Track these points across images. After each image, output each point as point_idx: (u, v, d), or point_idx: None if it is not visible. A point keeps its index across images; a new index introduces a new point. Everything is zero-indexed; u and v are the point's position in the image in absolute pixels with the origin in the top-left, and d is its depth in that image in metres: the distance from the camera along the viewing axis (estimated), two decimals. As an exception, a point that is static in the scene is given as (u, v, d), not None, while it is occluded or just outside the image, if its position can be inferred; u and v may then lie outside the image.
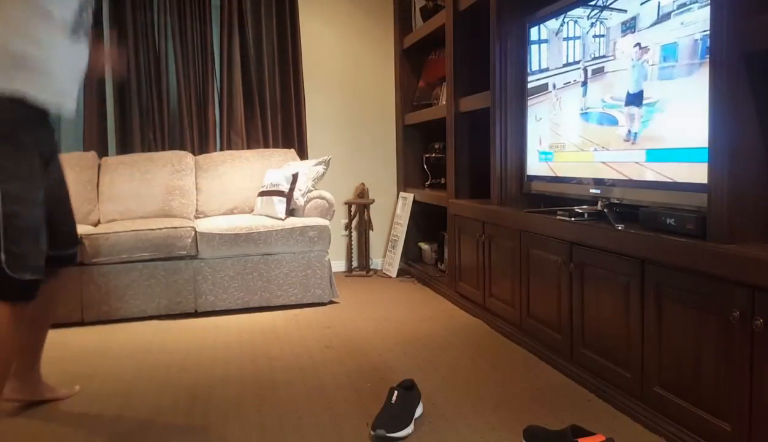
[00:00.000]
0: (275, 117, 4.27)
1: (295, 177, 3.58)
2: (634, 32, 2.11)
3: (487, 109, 3.09)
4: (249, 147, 4.20)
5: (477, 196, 3.52)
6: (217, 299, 3.35)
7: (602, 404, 2.07)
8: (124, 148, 4.00)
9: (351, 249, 4.49)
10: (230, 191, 3.88)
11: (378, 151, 4.64)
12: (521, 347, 2.67)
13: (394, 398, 1.93)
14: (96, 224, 3.63)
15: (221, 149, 4.19)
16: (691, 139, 1.87)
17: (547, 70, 2.69)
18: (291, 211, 3.62)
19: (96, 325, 3.18)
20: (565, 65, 2.54)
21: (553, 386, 2.23)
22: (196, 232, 3.33)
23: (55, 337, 2.99)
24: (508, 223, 2.79)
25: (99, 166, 3.81)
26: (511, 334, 2.78)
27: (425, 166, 4.35)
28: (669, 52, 1.95)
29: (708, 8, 1.71)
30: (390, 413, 1.88)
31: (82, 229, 3.30)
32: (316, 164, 3.76)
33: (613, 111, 2.24)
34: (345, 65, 4.51)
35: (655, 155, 2.03)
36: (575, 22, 2.46)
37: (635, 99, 2.11)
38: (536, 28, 2.76)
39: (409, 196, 4.37)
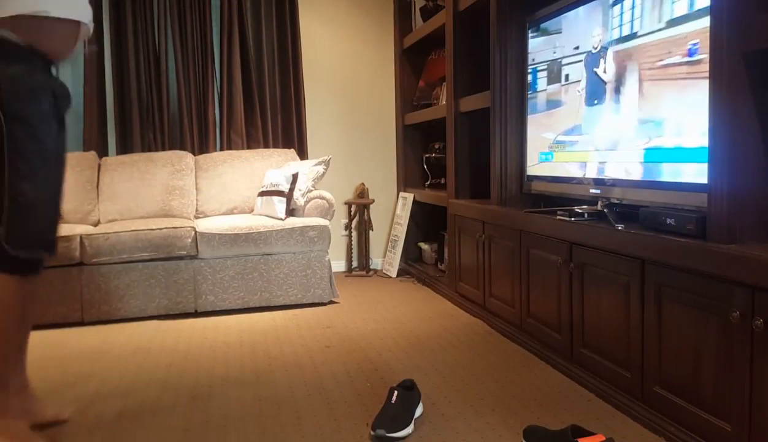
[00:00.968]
0: (275, 117, 4.27)
1: (295, 177, 3.58)
2: (633, 34, 2.12)
3: (487, 109, 3.09)
4: (249, 147, 4.20)
5: (477, 196, 3.52)
6: (217, 299, 3.35)
7: (602, 404, 2.07)
8: (124, 148, 4.00)
9: (351, 249, 4.49)
10: (230, 191, 3.88)
11: (378, 151, 4.64)
12: (521, 347, 2.67)
13: (394, 398, 1.93)
14: (96, 224, 3.63)
15: (221, 149, 4.19)
16: (690, 139, 1.87)
17: (547, 68, 2.69)
18: (291, 211, 3.62)
19: (96, 325, 3.18)
20: (564, 61, 2.54)
21: (553, 386, 2.23)
22: (196, 232, 3.33)
23: (55, 337, 2.99)
24: (508, 223, 2.79)
25: (99, 166, 3.81)
26: (511, 334, 2.78)
27: (425, 166, 4.35)
28: (667, 51, 1.95)
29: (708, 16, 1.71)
30: (390, 413, 1.88)
31: (82, 229, 3.30)
32: (316, 164, 3.76)
33: (613, 110, 2.24)
34: (345, 65, 4.51)
35: (654, 155, 2.03)
36: (574, 21, 2.47)
37: (635, 99, 2.12)
38: (536, 27, 2.76)
39: (409, 196, 4.37)
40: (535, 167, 2.81)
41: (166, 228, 3.29)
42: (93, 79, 3.91)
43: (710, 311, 1.64)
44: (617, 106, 2.22)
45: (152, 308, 3.27)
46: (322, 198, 3.70)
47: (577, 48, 2.45)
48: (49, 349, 2.80)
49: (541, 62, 2.73)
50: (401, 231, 4.35)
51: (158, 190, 3.74)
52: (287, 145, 4.29)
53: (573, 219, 2.31)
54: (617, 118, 2.22)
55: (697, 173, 1.84)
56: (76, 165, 3.73)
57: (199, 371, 2.47)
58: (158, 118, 4.02)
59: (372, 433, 1.84)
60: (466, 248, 3.34)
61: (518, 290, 2.72)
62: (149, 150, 4.01)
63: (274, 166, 3.97)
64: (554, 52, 2.62)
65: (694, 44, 1.84)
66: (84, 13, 1.75)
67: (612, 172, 2.26)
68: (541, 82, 2.73)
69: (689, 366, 1.73)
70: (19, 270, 1.64)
